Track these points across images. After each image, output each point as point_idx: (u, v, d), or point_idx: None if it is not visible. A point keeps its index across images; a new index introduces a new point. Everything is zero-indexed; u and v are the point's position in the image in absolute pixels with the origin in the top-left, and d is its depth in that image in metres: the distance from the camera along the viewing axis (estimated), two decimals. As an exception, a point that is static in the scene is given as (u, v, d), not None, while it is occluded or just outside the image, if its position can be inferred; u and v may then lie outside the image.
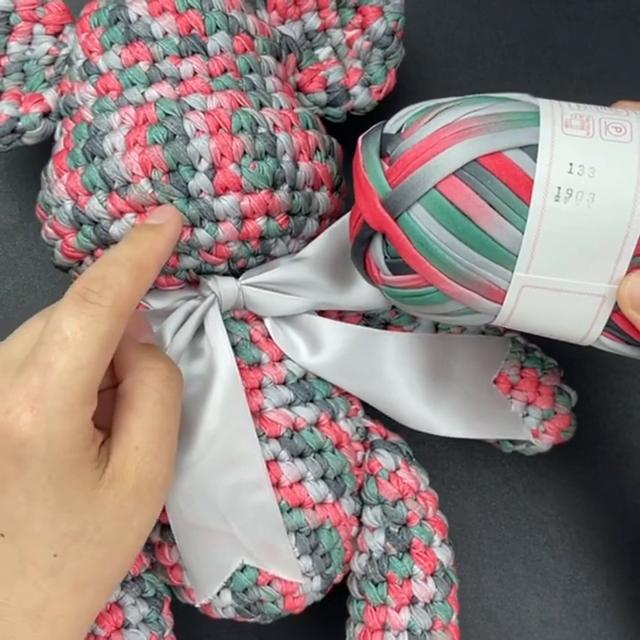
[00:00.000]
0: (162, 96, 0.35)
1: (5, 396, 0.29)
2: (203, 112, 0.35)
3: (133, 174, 0.34)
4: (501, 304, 0.31)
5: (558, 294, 0.30)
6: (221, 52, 0.36)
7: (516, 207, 0.29)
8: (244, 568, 0.37)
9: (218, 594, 0.37)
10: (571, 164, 0.29)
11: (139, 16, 0.36)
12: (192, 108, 0.35)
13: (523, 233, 0.29)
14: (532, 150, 0.29)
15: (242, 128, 0.35)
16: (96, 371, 0.30)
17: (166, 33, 0.36)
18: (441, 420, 0.39)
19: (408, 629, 0.37)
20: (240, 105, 0.35)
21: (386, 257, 0.31)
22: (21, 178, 0.47)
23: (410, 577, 0.38)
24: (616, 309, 0.30)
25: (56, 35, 0.40)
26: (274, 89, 0.38)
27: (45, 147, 0.39)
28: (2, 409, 0.29)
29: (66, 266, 0.38)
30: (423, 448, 0.45)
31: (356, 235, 0.32)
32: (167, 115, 0.35)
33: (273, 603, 0.37)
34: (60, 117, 0.38)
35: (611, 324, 0.31)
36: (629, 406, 0.45)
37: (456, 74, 0.48)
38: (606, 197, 0.29)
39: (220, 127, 0.35)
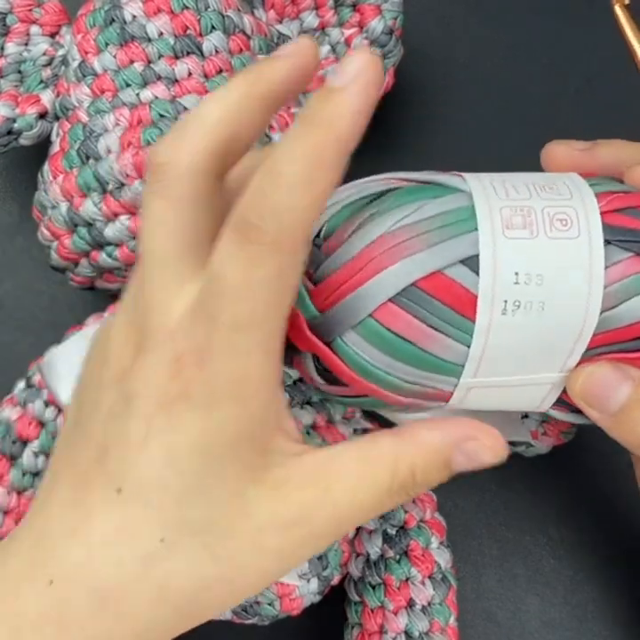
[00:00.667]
0: (156, 97, 0.35)
1: (173, 346, 0.24)
2: (197, 113, 0.35)
3: (127, 176, 0.34)
4: (447, 402, 0.29)
5: (507, 389, 0.28)
6: (217, 52, 0.36)
7: (460, 326, 0.26)
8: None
9: (214, 596, 0.37)
10: (516, 274, 0.26)
11: (134, 16, 0.36)
12: (186, 109, 0.35)
13: (468, 347, 0.27)
14: (472, 262, 0.26)
15: (236, 129, 0.35)
16: (268, 327, 0.24)
17: (161, 33, 0.36)
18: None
19: (406, 632, 0.37)
20: (235, 106, 0.35)
21: (318, 369, 0.28)
22: (21, 177, 0.47)
23: (407, 579, 0.37)
24: (564, 391, 0.29)
25: (53, 35, 0.40)
26: (270, 89, 0.37)
27: (45, 147, 0.39)
28: (170, 358, 0.24)
29: (62, 267, 0.38)
30: (423, 448, 0.45)
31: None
32: (162, 116, 0.35)
33: (269, 604, 0.37)
34: (57, 118, 0.38)
35: (560, 401, 0.30)
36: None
37: (456, 74, 0.47)
38: (558, 304, 0.26)
39: (215, 128, 0.35)
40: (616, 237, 0.26)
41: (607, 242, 0.26)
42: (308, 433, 0.38)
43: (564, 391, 0.29)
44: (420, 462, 0.26)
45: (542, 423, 0.41)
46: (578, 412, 0.30)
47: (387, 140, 0.46)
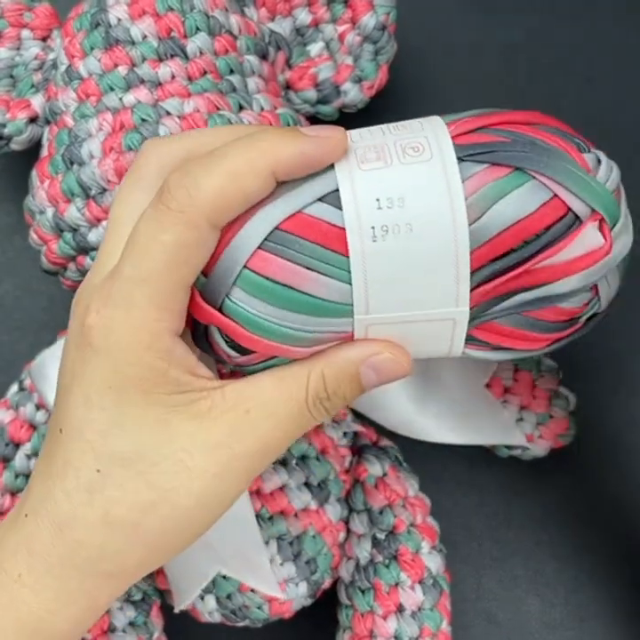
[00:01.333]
0: (139, 101, 0.35)
1: (91, 295, 0.28)
2: (178, 117, 0.34)
3: (108, 181, 0.34)
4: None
5: (407, 325, 0.28)
6: (201, 53, 0.36)
7: (334, 262, 0.27)
8: (225, 575, 0.37)
9: (202, 599, 0.37)
10: (377, 200, 0.27)
11: (119, 20, 0.36)
12: (168, 113, 0.35)
13: (350, 284, 0.27)
14: (332, 198, 0.27)
15: (218, 133, 0.34)
16: (161, 285, 0.27)
17: (145, 36, 0.36)
18: (430, 425, 0.39)
19: (395, 637, 0.37)
20: (217, 108, 0.35)
21: (227, 341, 0.29)
22: (19, 178, 0.47)
23: (397, 584, 0.37)
24: (472, 327, 0.29)
25: (44, 39, 0.40)
26: (256, 90, 0.37)
27: (41, 150, 0.39)
28: (83, 306, 0.28)
29: (53, 271, 0.38)
30: (423, 448, 0.44)
31: (193, 329, 0.30)
32: (143, 120, 0.35)
33: (258, 608, 0.37)
34: (48, 123, 0.38)
35: (471, 339, 0.29)
36: (632, 408, 0.44)
37: (454, 72, 0.47)
38: (424, 222, 0.27)
39: (196, 132, 0.34)
40: (467, 153, 0.27)
41: (460, 159, 0.27)
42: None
43: (471, 328, 0.29)
44: (328, 372, 0.29)
45: (538, 426, 0.40)
46: (499, 349, 0.30)
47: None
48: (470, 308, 0.28)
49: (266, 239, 0.27)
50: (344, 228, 0.27)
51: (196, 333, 0.30)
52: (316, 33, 0.41)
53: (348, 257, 0.27)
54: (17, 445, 0.38)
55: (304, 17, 0.41)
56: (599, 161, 0.29)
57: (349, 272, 0.27)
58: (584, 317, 0.30)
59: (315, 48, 0.41)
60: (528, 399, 0.40)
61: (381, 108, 0.45)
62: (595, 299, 0.29)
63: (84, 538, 0.28)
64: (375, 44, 0.40)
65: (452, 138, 0.28)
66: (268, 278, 0.27)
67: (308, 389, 0.28)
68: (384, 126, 0.29)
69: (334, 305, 0.28)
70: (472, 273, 0.27)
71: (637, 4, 0.47)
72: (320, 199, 0.27)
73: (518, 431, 0.40)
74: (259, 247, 0.27)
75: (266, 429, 0.28)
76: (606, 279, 0.29)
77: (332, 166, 0.28)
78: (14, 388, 0.40)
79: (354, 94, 0.40)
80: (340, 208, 0.27)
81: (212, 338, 0.29)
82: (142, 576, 0.29)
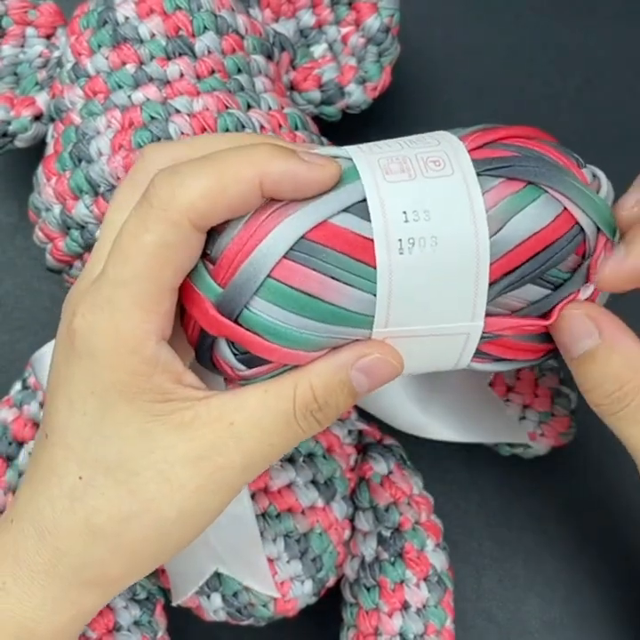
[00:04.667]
0: (148, 99, 0.35)
1: (78, 299, 0.28)
2: (188, 115, 0.35)
3: (118, 178, 0.34)
4: None
5: (421, 339, 0.29)
6: (209, 52, 0.36)
7: (360, 272, 0.27)
8: (230, 573, 0.37)
9: (208, 597, 0.37)
10: (405, 213, 0.27)
11: (126, 18, 0.36)
12: (178, 111, 0.35)
13: (374, 295, 0.27)
14: (358, 209, 0.27)
15: (227, 130, 0.35)
16: (144, 287, 0.26)
17: (154, 34, 0.36)
18: (434, 423, 0.39)
19: (400, 634, 0.37)
20: (226, 106, 0.35)
21: (236, 354, 0.29)
22: (20, 178, 0.47)
23: (402, 582, 0.37)
24: (481, 342, 0.29)
25: (48, 37, 0.40)
26: (263, 89, 0.37)
27: (45, 148, 0.39)
28: (70, 310, 0.28)
29: (57, 269, 0.38)
30: (423, 448, 0.44)
31: (197, 343, 0.29)
32: (153, 118, 0.35)
33: (263, 606, 0.37)
34: (52, 120, 0.38)
35: (478, 353, 0.30)
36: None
37: (456, 73, 0.47)
38: (448, 236, 0.27)
39: (205, 130, 0.34)
40: (484, 168, 0.28)
41: (477, 174, 0.28)
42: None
43: (481, 343, 0.29)
44: (317, 382, 0.28)
45: (540, 424, 0.40)
46: (500, 360, 0.30)
47: (384, 139, 0.46)
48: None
49: (291, 248, 0.27)
50: (371, 239, 0.27)
51: (201, 348, 0.29)
52: (320, 34, 0.41)
53: (374, 268, 0.27)
54: (20, 444, 0.38)
55: (308, 18, 0.41)
56: (594, 176, 0.30)
57: (374, 283, 0.27)
58: None
59: (318, 49, 0.41)
60: (531, 398, 0.40)
61: (384, 110, 0.45)
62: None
63: (66, 546, 0.27)
64: (379, 46, 0.41)
65: (468, 152, 0.28)
66: (293, 288, 0.27)
67: (296, 401, 0.28)
68: (399, 140, 0.29)
69: (356, 315, 0.28)
70: (489, 285, 0.28)
71: (637, 4, 0.48)
72: (346, 209, 0.27)
73: (521, 429, 0.40)
74: (284, 256, 0.27)
75: (250, 443, 0.27)
76: None
77: (357, 176, 0.28)
78: (17, 386, 0.39)
79: (357, 95, 0.40)
80: (367, 219, 0.27)
81: (217, 352, 0.29)
82: (127, 586, 0.29)
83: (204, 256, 0.28)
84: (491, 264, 0.28)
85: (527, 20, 0.48)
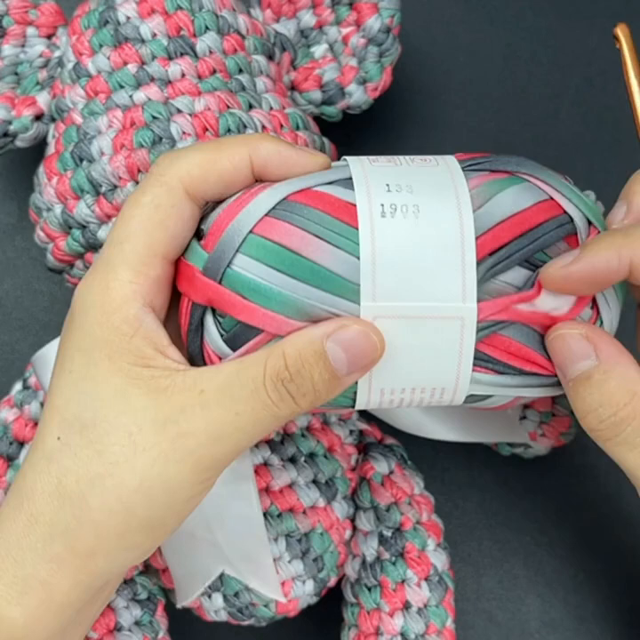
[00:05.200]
0: (149, 98, 0.35)
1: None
2: (189, 114, 0.35)
3: (120, 178, 0.34)
4: None
5: (415, 322, 0.28)
6: (210, 52, 0.36)
7: (342, 231, 0.28)
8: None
9: (209, 597, 0.37)
10: (387, 185, 0.28)
11: (128, 18, 0.36)
12: (179, 111, 0.35)
13: (358, 258, 0.28)
14: (343, 183, 0.29)
15: (229, 130, 0.35)
16: (136, 247, 0.28)
17: (155, 34, 0.36)
18: (435, 423, 0.39)
19: (401, 634, 0.37)
20: (228, 106, 0.35)
21: (222, 334, 0.29)
22: (20, 178, 0.47)
23: (403, 581, 0.37)
24: (479, 339, 0.29)
25: (49, 37, 0.40)
26: (264, 89, 0.37)
27: (44, 148, 0.39)
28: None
29: (58, 269, 0.38)
30: (423, 449, 0.44)
31: (188, 323, 0.29)
32: (154, 117, 0.35)
33: (265, 606, 0.37)
34: (53, 120, 0.38)
35: (479, 356, 0.29)
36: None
37: (456, 73, 0.47)
38: (431, 207, 0.28)
39: (207, 129, 0.34)
40: (468, 163, 0.30)
41: (463, 169, 0.30)
42: (302, 435, 0.38)
43: (479, 340, 0.29)
44: (290, 350, 0.27)
45: (540, 424, 0.40)
46: (507, 371, 0.30)
47: (385, 139, 0.46)
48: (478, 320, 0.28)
49: (274, 208, 0.28)
50: (353, 204, 0.28)
51: (190, 339, 0.30)
52: (320, 35, 0.41)
53: (356, 229, 0.28)
54: (21, 444, 0.38)
55: (308, 19, 0.41)
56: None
57: (357, 244, 0.28)
58: None
59: (319, 50, 0.41)
60: (531, 398, 0.40)
61: (385, 110, 0.45)
62: (597, 320, 0.30)
63: (38, 510, 0.27)
64: (380, 47, 0.41)
65: (455, 156, 0.31)
66: (273, 242, 0.28)
67: (266, 368, 0.27)
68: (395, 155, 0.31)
69: (339, 279, 0.28)
70: (477, 263, 0.28)
71: (638, 4, 0.48)
72: (331, 183, 0.29)
73: (522, 429, 0.40)
74: (266, 214, 0.28)
75: (216, 409, 0.27)
76: (605, 299, 0.30)
77: (344, 164, 0.29)
78: (18, 385, 0.39)
79: (358, 96, 0.41)
80: (351, 188, 0.28)
81: (206, 340, 0.29)
82: (93, 570, 0.28)
83: (199, 239, 0.29)
84: (476, 238, 0.28)
85: (527, 20, 0.48)
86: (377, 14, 0.40)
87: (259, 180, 0.30)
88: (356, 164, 0.29)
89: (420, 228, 0.28)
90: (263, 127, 0.35)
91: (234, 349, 0.29)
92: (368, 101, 0.41)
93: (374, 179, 0.29)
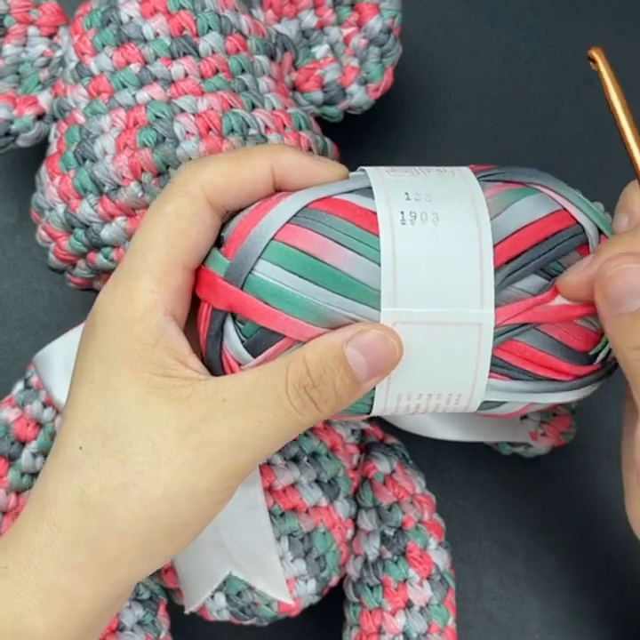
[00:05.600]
0: (152, 98, 0.35)
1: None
2: (193, 114, 0.35)
3: (123, 177, 0.34)
4: None
5: (433, 328, 0.28)
6: (213, 52, 0.36)
7: (362, 238, 0.28)
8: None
9: (212, 597, 0.37)
10: (406, 194, 0.29)
11: (130, 17, 0.36)
12: (182, 111, 0.35)
13: (379, 264, 0.28)
14: (363, 192, 0.29)
15: (232, 130, 0.35)
16: (159, 256, 0.28)
17: (157, 34, 0.36)
18: (436, 423, 0.39)
19: (403, 633, 0.37)
20: (231, 106, 0.35)
21: (242, 340, 0.29)
22: (21, 178, 0.47)
23: (405, 581, 0.37)
24: (495, 345, 0.29)
25: (50, 36, 0.40)
26: (267, 89, 0.37)
27: (45, 147, 0.39)
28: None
29: (60, 268, 0.38)
30: (424, 448, 0.44)
31: (208, 330, 0.30)
32: (157, 117, 0.35)
33: (267, 606, 0.37)
34: (55, 120, 0.38)
35: (495, 362, 0.30)
36: (631, 407, 0.45)
37: (456, 73, 0.47)
38: (450, 215, 0.29)
39: (211, 129, 0.35)
40: (483, 174, 0.31)
41: (478, 179, 0.30)
42: (305, 434, 0.38)
43: (495, 346, 0.29)
44: (311, 356, 0.27)
45: (541, 424, 0.41)
46: (522, 376, 0.30)
47: (386, 140, 0.46)
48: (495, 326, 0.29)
49: (295, 215, 0.28)
50: (374, 212, 0.29)
51: (210, 346, 0.30)
52: (321, 35, 0.42)
53: (376, 235, 0.28)
54: (23, 444, 0.38)
55: (310, 19, 0.41)
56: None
57: (378, 251, 0.28)
58: (602, 354, 0.31)
59: (320, 50, 0.41)
60: (532, 397, 0.40)
61: (386, 110, 0.45)
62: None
63: (61, 519, 0.27)
64: (381, 47, 0.41)
65: (470, 168, 0.31)
66: (295, 248, 0.28)
67: (288, 375, 0.27)
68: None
69: (360, 285, 0.28)
70: (495, 270, 0.29)
71: (638, 4, 0.48)
72: (350, 191, 0.29)
73: (523, 428, 0.40)
74: (288, 221, 0.28)
75: (239, 418, 0.27)
76: None
77: (364, 173, 0.30)
78: (20, 385, 0.39)
79: (359, 96, 0.41)
80: (371, 197, 0.29)
81: (226, 345, 0.29)
82: (116, 579, 0.28)
83: (219, 246, 0.30)
84: (494, 246, 0.29)
85: (527, 20, 0.48)
86: (378, 15, 0.40)
87: (278, 189, 0.30)
88: (375, 174, 0.30)
89: (439, 235, 0.28)
90: (266, 127, 0.35)
91: (254, 355, 0.29)
92: (369, 102, 0.41)
93: (393, 187, 0.29)
